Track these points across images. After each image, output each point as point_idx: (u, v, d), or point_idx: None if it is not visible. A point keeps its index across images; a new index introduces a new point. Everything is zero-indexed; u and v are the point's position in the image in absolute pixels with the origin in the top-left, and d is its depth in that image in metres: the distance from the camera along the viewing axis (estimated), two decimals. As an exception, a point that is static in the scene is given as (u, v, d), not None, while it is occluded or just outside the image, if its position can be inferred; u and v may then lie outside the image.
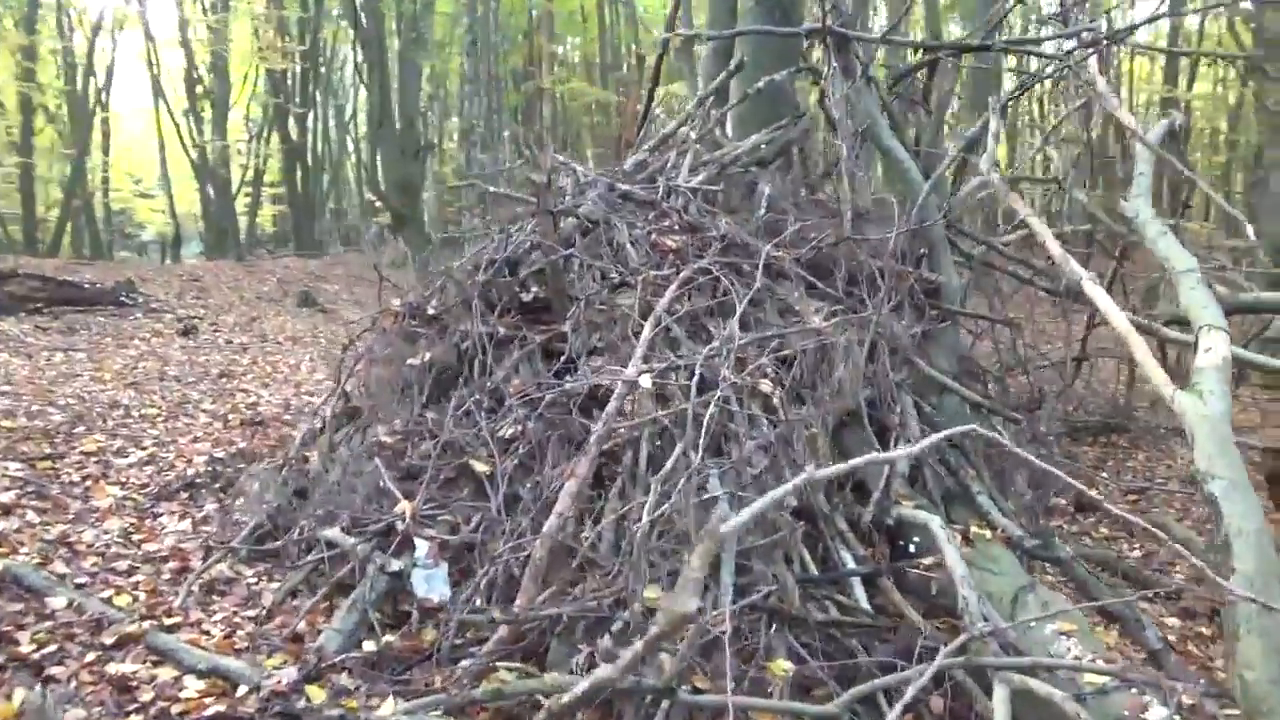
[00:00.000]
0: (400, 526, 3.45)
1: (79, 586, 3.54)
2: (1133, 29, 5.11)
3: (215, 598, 3.59)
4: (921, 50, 5.09)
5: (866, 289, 4.48)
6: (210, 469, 4.96)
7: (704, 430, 3.36)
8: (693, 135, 5.55)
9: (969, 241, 5.17)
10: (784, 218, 5.10)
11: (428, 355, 4.29)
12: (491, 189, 5.03)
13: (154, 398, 6.57)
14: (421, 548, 3.41)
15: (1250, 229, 4.25)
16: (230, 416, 6.28)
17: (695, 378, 3.50)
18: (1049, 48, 4.59)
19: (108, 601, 3.43)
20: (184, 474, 4.91)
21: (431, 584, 3.36)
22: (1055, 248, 3.46)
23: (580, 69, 25.49)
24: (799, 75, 5.51)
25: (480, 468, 3.66)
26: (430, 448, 3.94)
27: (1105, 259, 7.05)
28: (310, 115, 23.09)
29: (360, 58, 19.53)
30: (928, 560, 3.51)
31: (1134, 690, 2.42)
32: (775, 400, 3.63)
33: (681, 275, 4.11)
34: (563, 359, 4.14)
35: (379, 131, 17.28)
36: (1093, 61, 4.49)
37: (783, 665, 2.95)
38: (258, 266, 16.84)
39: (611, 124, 24.96)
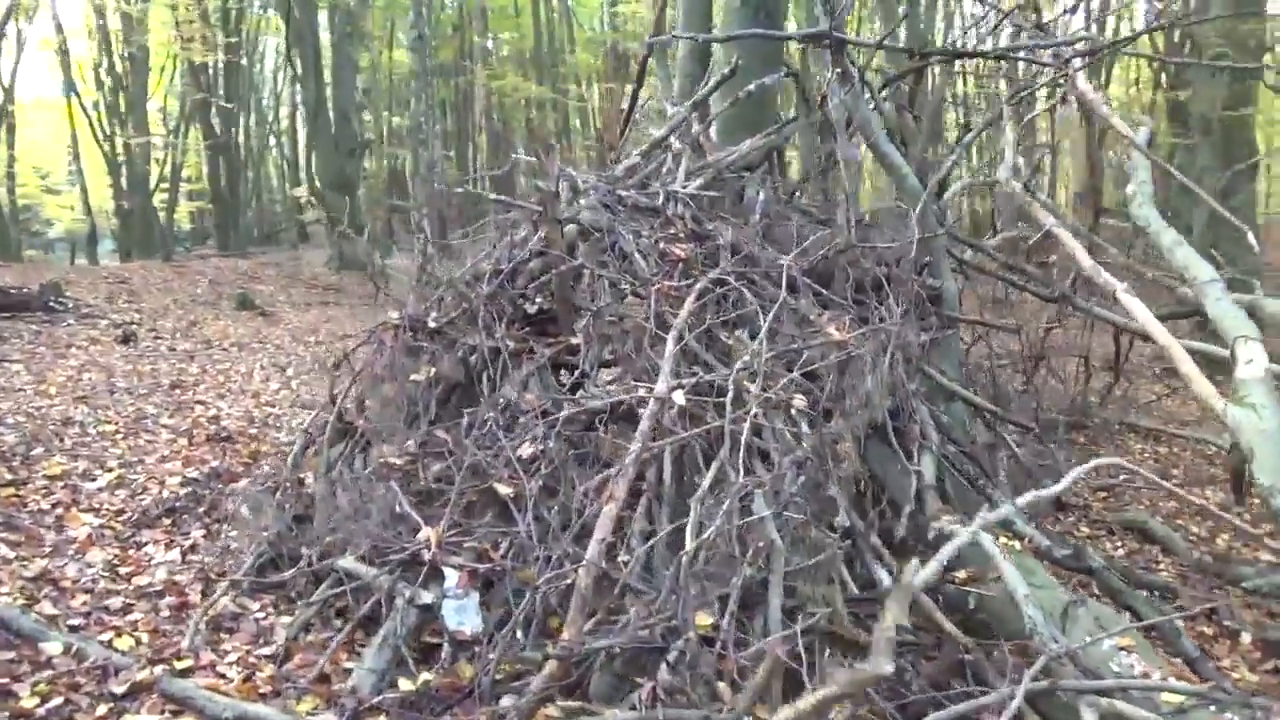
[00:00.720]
0: (427, 555, 3.29)
1: (73, 629, 3.29)
2: (1132, 38, 5.21)
3: (224, 635, 3.37)
4: (914, 56, 5.10)
5: (874, 297, 4.47)
6: (189, 491, 4.69)
7: (741, 448, 3.29)
8: (676, 140, 5.48)
9: (960, 246, 5.20)
10: (780, 224, 5.07)
11: (432, 371, 4.12)
12: (495, 197, 4.86)
13: (108, 413, 6.20)
14: (451, 577, 3.25)
15: (1251, 235, 4.36)
16: (194, 432, 5.96)
17: (730, 393, 3.42)
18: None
19: (108, 645, 3.19)
20: (160, 498, 4.63)
21: (463, 615, 3.21)
22: (1085, 259, 3.48)
23: (517, 64, 25.12)
24: (786, 80, 5.46)
25: (504, 490, 3.52)
26: (444, 469, 3.78)
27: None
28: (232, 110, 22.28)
29: (289, 51, 18.91)
30: (962, 574, 3.51)
31: (1213, 708, 2.43)
32: (805, 414, 3.57)
33: (698, 286, 4.02)
34: (576, 373, 4.02)
35: (313, 127, 16.76)
36: (1081, 72, 4.55)
37: (841, 690, 2.89)
38: (187, 267, 16.17)
39: (549, 120, 24.77)
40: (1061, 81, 4.53)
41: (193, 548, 4.10)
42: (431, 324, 4.28)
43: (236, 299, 12.89)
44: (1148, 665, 2.71)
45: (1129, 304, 3.27)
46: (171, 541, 4.16)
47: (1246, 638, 4.15)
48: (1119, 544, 5.73)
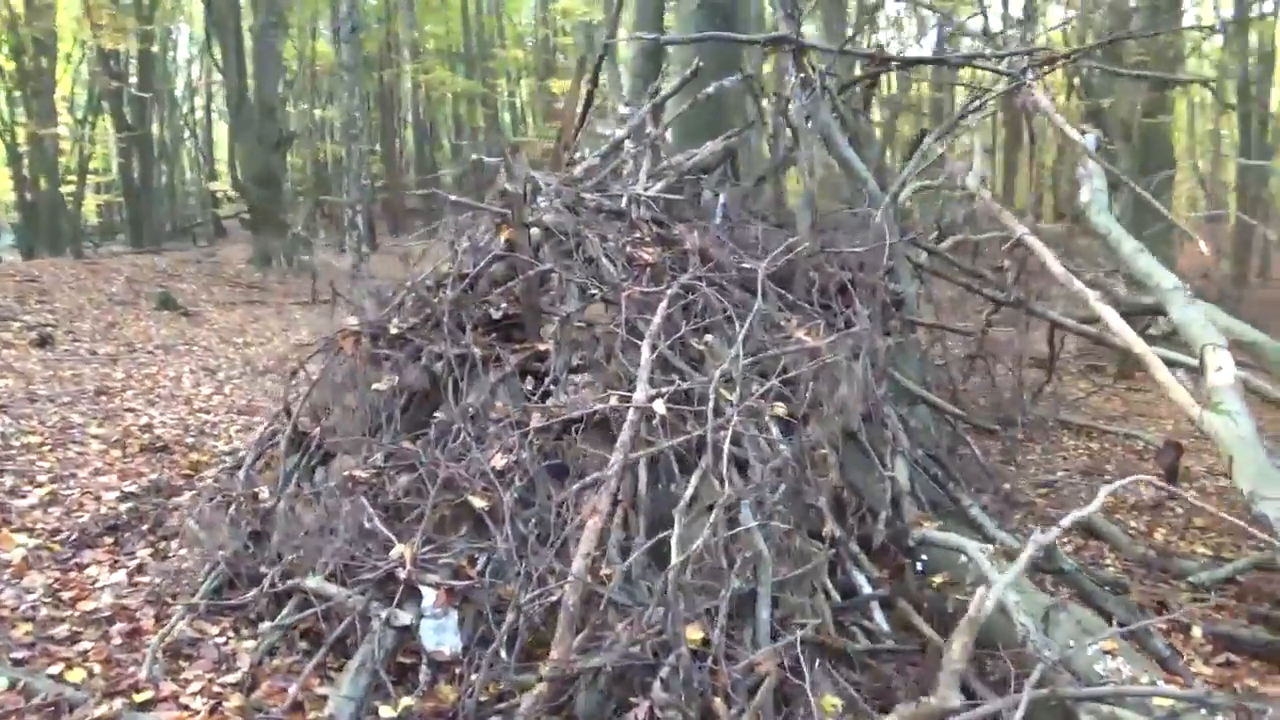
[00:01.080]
0: (401, 573, 3.16)
1: (17, 663, 3.07)
2: (1090, 49, 5.33)
3: (183, 663, 3.20)
4: (874, 62, 5.14)
5: (838, 301, 4.49)
6: (130, 507, 4.45)
7: (725, 456, 3.25)
8: (631, 142, 5.43)
9: (915, 250, 5.26)
10: (740, 227, 5.06)
11: (396, 379, 3.98)
12: (453, 198, 4.71)
13: (31, 422, 5.87)
14: (428, 596, 3.14)
15: (1203, 244, 4.50)
16: (127, 442, 5.68)
17: (711, 401, 3.38)
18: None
19: (58, 678, 2.99)
20: (99, 515, 4.38)
21: (442, 635, 3.10)
22: (1056, 266, 3.53)
23: (445, 58, 24.69)
24: (746, 83, 5.45)
25: (479, 503, 3.41)
26: (412, 482, 3.65)
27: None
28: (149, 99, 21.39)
29: (208, 39, 18.20)
30: (938, 579, 3.53)
31: (1203, 711, 2.48)
32: (784, 421, 3.55)
33: (670, 292, 3.97)
34: (548, 380, 3.93)
35: (236, 120, 16.18)
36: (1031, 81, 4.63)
37: (833, 701, 2.88)
38: (100, 264, 15.45)
39: (478, 115, 24.43)
40: (1017, 90, 4.61)
41: (140, 568, 3.89)
42: (393, 330, 4.13)
43: (157, 298, 12.36)
44: (1134, 668, 2.76)
45: (1102, 311, 3.33)
46: (116, 562, 3.94)
47: (1197, 632, 4.28)
48: (1065, 541, 5.87)
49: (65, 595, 3.60)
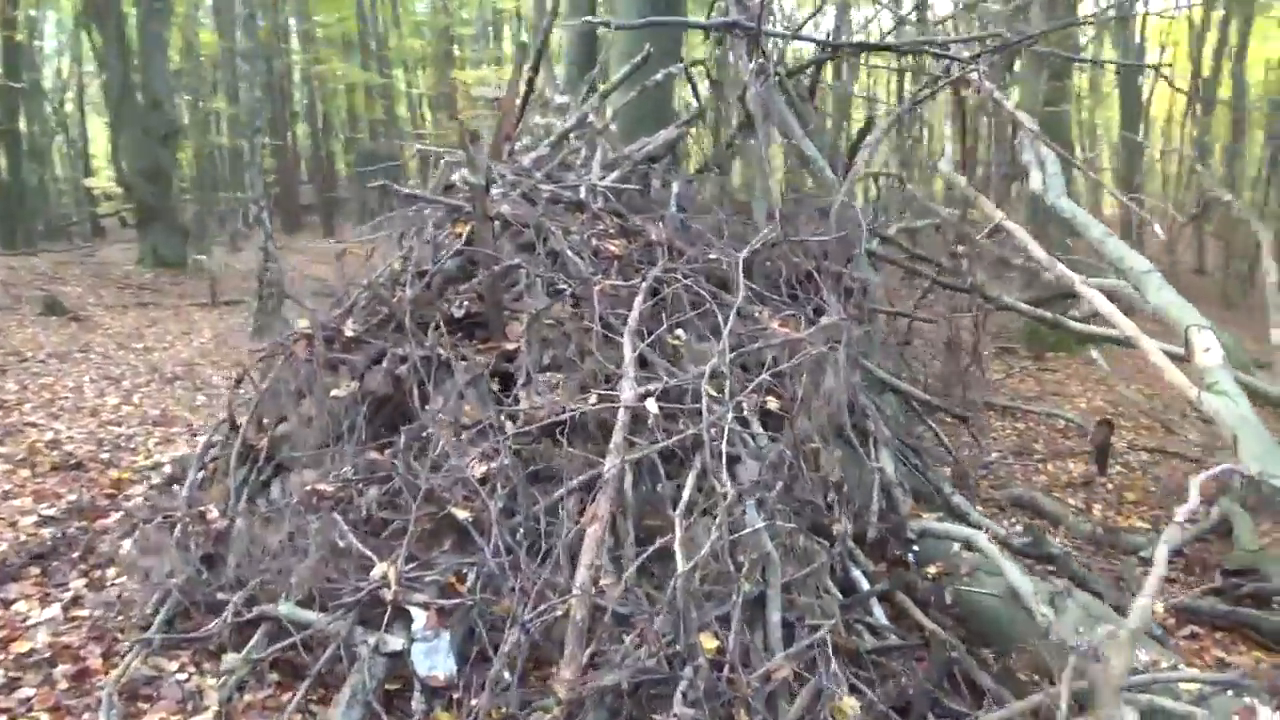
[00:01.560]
0: (387, 594, 2.94)
1: (-50, 717, 2.74)
2: (1036, 36, 5.40)
3: (143, 705, 2.90)
4: (826, 48, 5.08)
5: (802, 290, 4.43)
6: (54, 533, 4.06)
7: (723, 455, 3.14)
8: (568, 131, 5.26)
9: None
10: (694, 217, 4.96)
11: (355, 385, 3.72)
12: (404, 190, 4.44)
13: (-80, 444, 5.34)
14: (418, 618, 2.92)
15: (1157, 226, 4.60)
16: (35, 460, 5.21)
17: (705, 398, 3.25)
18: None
19: (3, 732, 2.68)
20: (18, 543, 3.98)
21: (434, 659, 2.89)
22: (1038, 251, 3.53)
23: (338, 48, 23.80)
24: (690, 70, 5.33)
25: (462, 514, 3.20)
26: (383, 494, 3.42)
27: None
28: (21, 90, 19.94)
29: (88, 27, 17.06)
30: (932, 569, 3.50)
31: (1229, 693, 2.49)
32: (776, 416, 3.46)
33: (644, 286, 3.83)
34: (520, 381, 3.73)
35: (119, 112, 15.20)
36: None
37: (851, 704, 2.80)
38: (-30, 269, 14.34)
39: (377, 107, 23.68)
40: (969, 77, 4.63)
41: (75, 601, 3.53)
42: (349, 332, 3.87)
43: (41, 303, 11.50)
44: (1151, 653, 2.76)
45: (1089, 295, 3.34)
46: (47, 595, 3.57)
47: (1160, 607, 4.39)
48: (1013, 520, 5.99)
49: (-6, 636, 3.23)
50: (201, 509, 3.75)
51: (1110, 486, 7.01)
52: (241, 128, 16.76)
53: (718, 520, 2.93)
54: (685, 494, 3.12)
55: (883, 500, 3.54)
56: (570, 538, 3.05)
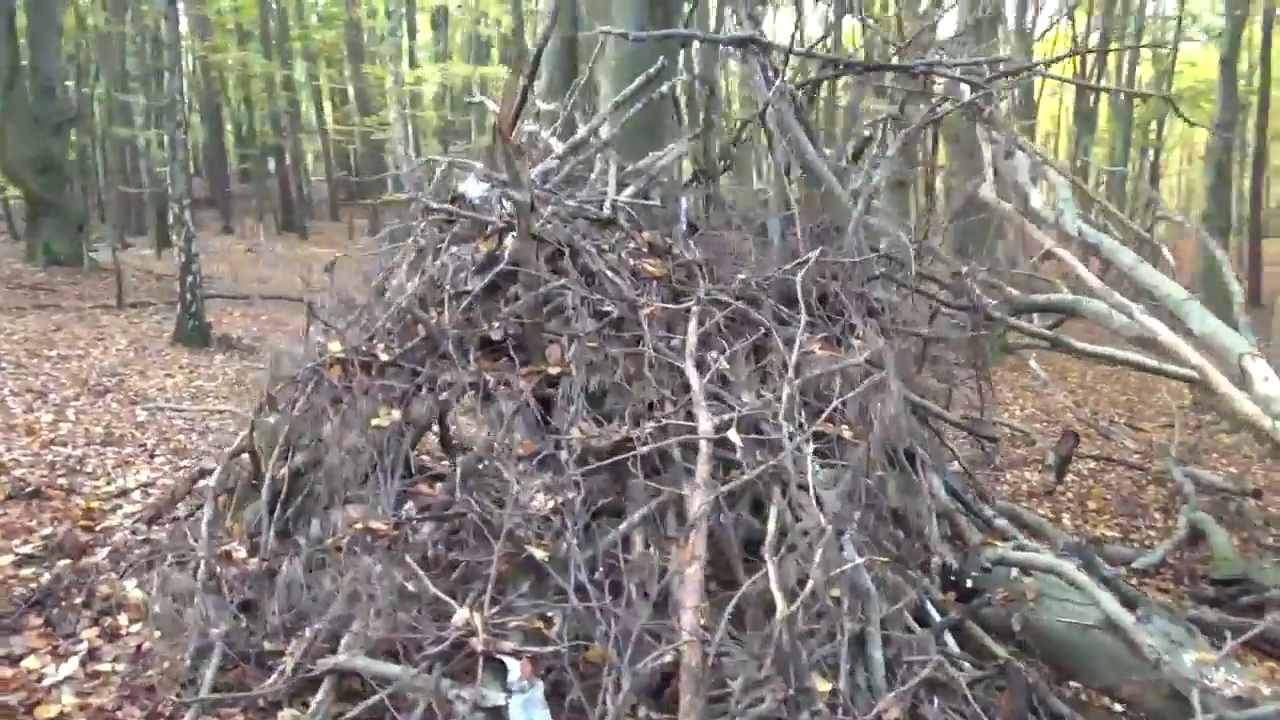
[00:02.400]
0: (476, 644, 2.76)
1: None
2: (1050, 61, 5.50)
3: (208, 774, 2.65)
4: (836, 66, 5.08)
5: (830, 311, 4.40)
6: (44, 574, 3.69)
7: (810, 487, 3.08)
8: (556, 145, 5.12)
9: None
10: (707, 233, 4.89)
11: (397, 413, 3.50)
12: (434, 203, 4.20)
13: None
14: (513, 668, 2.76)
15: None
16: (-13, 490, 4.75)
17: (785, 427, 3.18)
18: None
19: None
20: (5, 587, 3.60)
21: (531, 711, 2.73)
22: (1092, 279, 3.59)
23: (239, 38, 22.73)
24: (698, 83, 5.25)
25: (539, 553, 3.04)
26: (439, 531, 3.23)
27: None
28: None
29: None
30: (998, 595, 3.51)
31: (1335, 719, 2.56)
32: (847, 444, 3.41)
33: (695, 309, 3.73)
34: (573, 409, 3.58)
35: (6, 99, 14.12)
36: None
37: (959, 740, 2.78)
38: None
39: (279, 100, 22.76)
40: (982, 101, 4.71)
41: (92, 654, 3.21)
42: (383, 356, 3.64)
43: (-68, 308, 10.59)
44: (1243, 679, 2.83)
45: (1149, 324, 3.42)
46: (57, 649, 3.23)
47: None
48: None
49: (12, 701, 2.90)
50: (226, 548, 3.48)
51: (1070, 495, 7.28)
52: (146, 118, 15.83)
53: (818, 556, 2.86)
54: (771, 528, 3.04)
55: (948, 527, 3.54)
56: (672, 577, 2.92)
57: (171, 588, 3.32)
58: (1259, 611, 4.51)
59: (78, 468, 5.38)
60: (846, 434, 3.39)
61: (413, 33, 23.72)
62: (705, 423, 3.17)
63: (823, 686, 2.71)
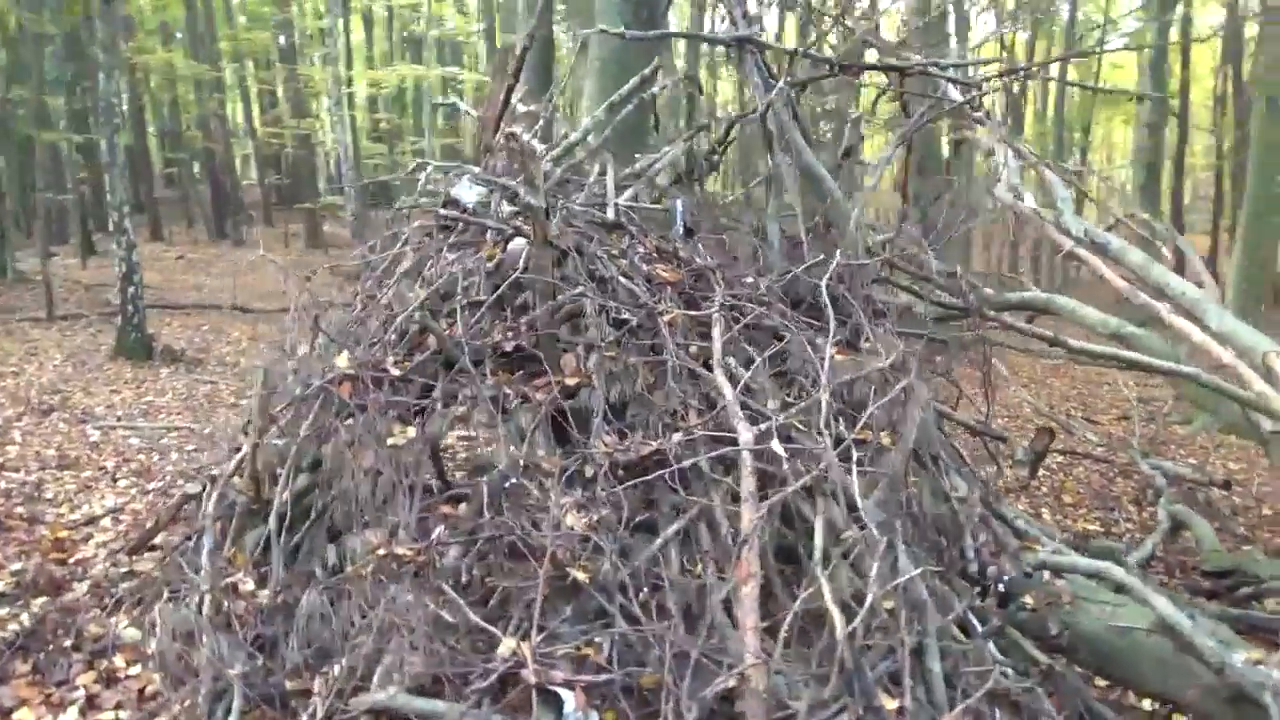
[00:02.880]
0: (529, 675, 2.60)
1: None
2: (1046, 63, 5.50)
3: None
4: (834, 67, 5.02)
5: (836, 314, 4.34)
6: (33, 617, 3.40)
7: (858, 497, 3.00)
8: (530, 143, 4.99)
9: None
10: (704, 236, 4.79)
11: (411, 431, 3.32)
12: (442, 210, 4.01)
13: None
14: (568, 699, 2.61)
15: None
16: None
17: (829, 435, 3.09)
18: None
19: None
20: (-20, 632, 3.31)
21: (588, 743, 2.59)
22: (1118, 280, 3.58)
23: (164, 38, 21.89)
24: (689, 83, 5.15)
25: (581, 575, 2.90)
26: (469, 556, 3.05)
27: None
28: None
29: None
30: (1028, 600, 3.47)
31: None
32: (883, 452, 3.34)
33: (717, 315, 3.63)
34: (595, 420, 3.43)
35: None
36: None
37: (1023, 753, 2.72)
38: None
39: (210, 102, 22.01)
40: (974, 102, 4.71)
41: (92, 702, 2.97)
42: (394, 371, 3.45)
43: None
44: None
45: (1178, 324, 3.42)
46: (51, 697, 2.98)
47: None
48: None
49: (12, 758, 2.65)
50: (231, 580, 3.25)
51: (1045, 490, 7.36)
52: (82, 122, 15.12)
53: (874, 569, 2.77)
54: (818, 541, 2.95)
55: (986, 533, 3.50)
56: (720, 597, 2.81)
57: (172, 625, 3.08)
58: (1258, 602, 4.57)
59: (36, 494, 5.05)
60: (885, 440, 3.31)
61: (347, 35, 23.16)
62: (746, 433, 3.06)
63: (890, 704, 2.63)
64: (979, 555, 3.40)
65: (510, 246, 4.00)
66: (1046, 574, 3.48)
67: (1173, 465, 7.50)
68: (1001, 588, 3.52)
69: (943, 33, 11.65)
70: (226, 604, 3.13)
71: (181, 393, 8.41)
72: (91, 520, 4.64)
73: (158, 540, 4.06)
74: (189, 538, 3.72)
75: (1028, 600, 3.43)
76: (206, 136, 21.80)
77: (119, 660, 3.18)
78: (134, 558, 4.00)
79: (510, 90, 5.22)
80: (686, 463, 3.10)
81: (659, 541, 3.12)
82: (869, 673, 2.65)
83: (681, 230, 4.71)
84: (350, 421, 3.26)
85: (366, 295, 4.27)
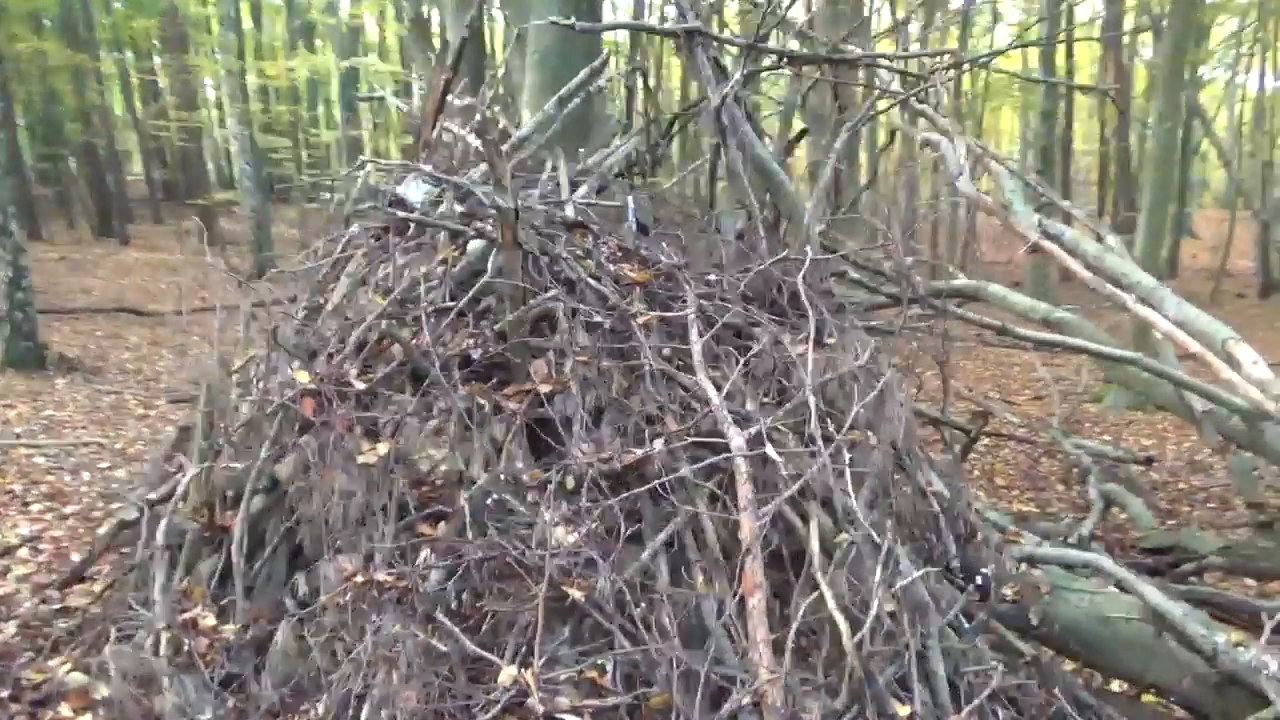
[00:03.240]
0: (536, 705, 2.47)
1: None
2: (994, 54, 5.56)
3: None
4: (782, 58, 4.95)
5: (793, 310, 4.31)
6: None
7: (853, 498, 2.96)
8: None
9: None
10: (655, 232, 4.70)
11: (382, 448, 3.13)
12: (400, 213, 3.77)
13: None
14: (577, 727, 2.49)
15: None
16: None
17: (819, 435, 3.04)
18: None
19: None
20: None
21: (600, 772, 2.48)
22: (1081, 270, 3.63)
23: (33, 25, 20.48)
24: (634, 76, 5.03)
25: (577, 593, 2.78)
26: (454, 579, 2.90)
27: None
28: None
29: None
30: (1008, 591, 3.51)
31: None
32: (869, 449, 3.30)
33: (693, 316, 3.54)
34: (576, 428, 3.30)
35: None
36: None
37: (1029, 749, 2.72)
38: None
39: (89, 94, 20.75)
40: (920, 95, 4.73)
41: (43, 761, 2.70)
42: (358, 385, 3.25)
43: None
44: (1271, 657, 2.90)
45: (1142, 312, 3.48)
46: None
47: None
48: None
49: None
50: (190, 616, 3.01)
51: (977, 472, 7.54)
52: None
53: (878, 573, 2.74)
54: (815, 546, 2.90)
55: (963, 527, 3.51)
56: (713, 609, 2.73)
57: (126, 667, 2.84)
58: (1198, 578, 4.75)
59: (-53, 527, 4.63)
60: (872, 440, 3.28)
61: (239, 23, 22.14)
62: (738, 439, 2.98)
63: (902, 711, 2.60)
64: (965, 551, 3.41)
65: (469, 248, 3.84)
66: (1023, 565, 3.52)
67: (1094, 444, 7.78)
68: (980, 581, 3.54)
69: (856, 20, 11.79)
70: (187, 642, 2.89)
71: (84, 405, 7.88)
72: (7, 551, 4.27)
73: (88, 572, 3.76)
74: (131, 569, 3.44)
75: (1006, 592, 3.46)
76: (86, 130, 20.57)
77: (65, 710, 2.91)
78: (65, 592, 3.69)
79: (448, 84, 5.02)
80: (685, 470, 2.99)
81: (647, 553, 3.03)
82: (879, 679, 2.61)
83: (635, 226, 4.61)
84: (310, 440, 3.05)
85: (310, 302, 4.04)
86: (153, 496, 3.75)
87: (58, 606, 3.56)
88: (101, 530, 3.88)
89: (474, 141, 4.99)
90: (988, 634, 3.31)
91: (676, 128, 5.45)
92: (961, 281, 5.43)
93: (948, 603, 3.03)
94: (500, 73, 5.48)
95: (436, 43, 12.95)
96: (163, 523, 3.23)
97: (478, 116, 5.22)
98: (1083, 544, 5.38)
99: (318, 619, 2.83)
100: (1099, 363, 6.40)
